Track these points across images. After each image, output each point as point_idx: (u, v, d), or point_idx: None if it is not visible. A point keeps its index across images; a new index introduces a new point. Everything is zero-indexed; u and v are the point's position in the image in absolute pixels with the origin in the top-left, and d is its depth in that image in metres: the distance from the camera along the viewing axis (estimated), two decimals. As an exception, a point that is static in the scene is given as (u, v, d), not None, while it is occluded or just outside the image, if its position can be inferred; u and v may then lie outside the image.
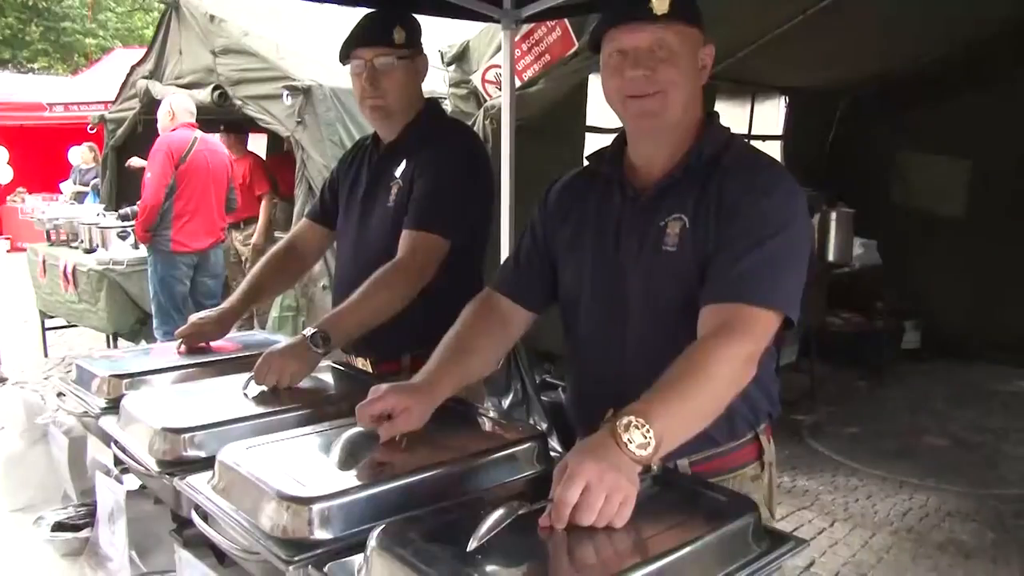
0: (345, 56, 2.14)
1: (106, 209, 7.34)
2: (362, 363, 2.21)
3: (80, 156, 10.47)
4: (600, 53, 1.54)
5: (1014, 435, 5.02)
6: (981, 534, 3.87)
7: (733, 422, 1.54)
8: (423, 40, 2.22)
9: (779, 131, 7.67)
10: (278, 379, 1.71)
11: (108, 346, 6.47)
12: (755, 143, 7.67)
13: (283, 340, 1.93)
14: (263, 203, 6.68)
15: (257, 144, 7.56)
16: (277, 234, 6.69)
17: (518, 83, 4.02)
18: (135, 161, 6.70)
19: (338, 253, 2.37)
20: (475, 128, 4.34)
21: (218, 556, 1.52)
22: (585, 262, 1.63)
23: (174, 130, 5.37)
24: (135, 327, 5.97)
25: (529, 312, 1.72)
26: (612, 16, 1.50)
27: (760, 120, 7.80)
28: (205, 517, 1.41)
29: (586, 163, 1.76)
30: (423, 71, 2.21)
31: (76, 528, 1.70)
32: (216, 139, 5.69)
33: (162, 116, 5.48)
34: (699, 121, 1.55)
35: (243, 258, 6.85)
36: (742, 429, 1.59)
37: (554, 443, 4.25)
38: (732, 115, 6.86)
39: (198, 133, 5.45)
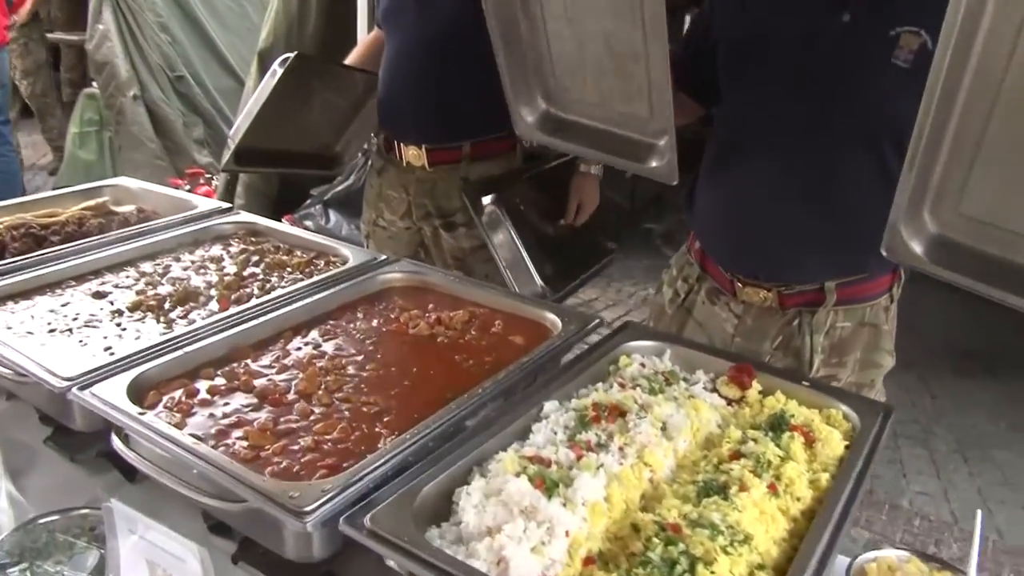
0: None
1: None
2: (415, 152, 2.14)
3: None
4: None
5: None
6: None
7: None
8: None
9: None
10: None
11: None
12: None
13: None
14: None
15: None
16: (53, 36, 5.62)
17: None
18: None
19: None
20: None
21: (126, 473, 1.19)
22: (777, 64, 1.44)
23: None
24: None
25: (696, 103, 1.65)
26: None
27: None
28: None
29: None
30: None
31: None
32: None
33: None
34: None
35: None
36: (888, 260, 1.53)
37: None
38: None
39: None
